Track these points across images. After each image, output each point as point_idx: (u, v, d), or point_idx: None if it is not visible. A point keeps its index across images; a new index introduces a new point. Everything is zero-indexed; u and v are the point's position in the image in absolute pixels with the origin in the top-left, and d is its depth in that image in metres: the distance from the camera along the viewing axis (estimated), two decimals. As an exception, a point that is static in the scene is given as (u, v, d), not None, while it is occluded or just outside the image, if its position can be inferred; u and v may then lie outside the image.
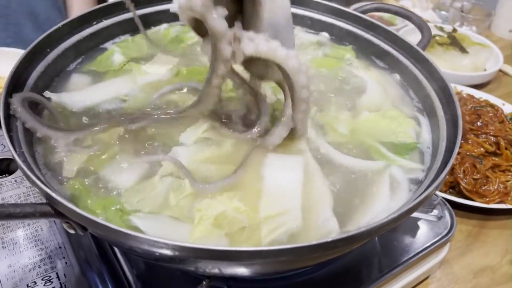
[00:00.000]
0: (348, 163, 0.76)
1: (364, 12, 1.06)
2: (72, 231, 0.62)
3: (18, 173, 0.89)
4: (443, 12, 1.98)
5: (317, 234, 0.64)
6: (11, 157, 0.92)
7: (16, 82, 0.76)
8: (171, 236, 0.59)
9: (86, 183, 0.66)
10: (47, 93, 0.82)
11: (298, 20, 1.10)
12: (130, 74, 0.92)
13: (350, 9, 1.07)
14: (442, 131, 0.78)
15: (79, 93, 0.86)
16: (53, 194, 0.56)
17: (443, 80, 0.82)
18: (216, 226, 0.60)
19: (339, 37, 1.07)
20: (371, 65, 1.00)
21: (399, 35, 0.97)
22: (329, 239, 0.53)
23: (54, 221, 0.80)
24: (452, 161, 0.63)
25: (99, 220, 0.54)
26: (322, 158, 0.76)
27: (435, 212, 0.93)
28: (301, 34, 1.08)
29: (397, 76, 0.97)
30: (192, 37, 1.06)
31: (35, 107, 0.77)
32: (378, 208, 0.70)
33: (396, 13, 1.06)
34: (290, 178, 0.69)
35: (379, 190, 0.73)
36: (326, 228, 0.65)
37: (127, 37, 1.03)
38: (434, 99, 0.86)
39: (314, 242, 0.53)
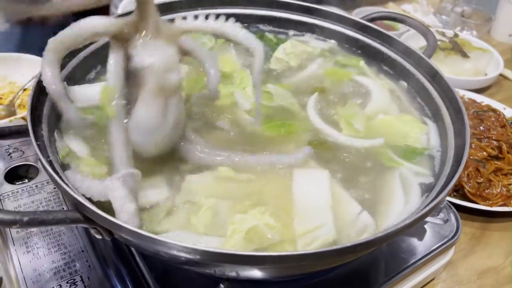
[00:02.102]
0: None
1: (371, 20, 1.09)
2: (99, 236, 0.65)
3: (38, 179, 0.91)
4: (443, 17, 2.01)
5: (352, 231, 0.68)
6: (30, 163, 0.95)
7: (40, 91, 0.78)
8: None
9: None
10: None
11: (306, 28, 1.13)
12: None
13: (357, 18, 1.10)
14: (450, 139, 0.81)
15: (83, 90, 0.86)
16: (83, 201, 0.59)
17: (450, 90, 0.85)
18: (248, 240, 0.63)
19: (347, 45, 1.10)
20: (379, 72, 1.04)
21: (405, 44, 1.00)
22: (349, 244, 0.56)
23: (76, 226, 0.83)
24: (460, 170, 0.66)
25: (129, 226, 0.56)
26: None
27: (441, 215, 0.96)
28: (314, 42, 1.11)
29: (404, 84, 1.00)
30: (205, 43, 1.09)
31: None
32: (396, 210, 0.73)
33: (402, 21, 1.09)
34: (319, 193, 0.72)
35: (394, 191, 0.77)
36: (359, 224, 0.69)
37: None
38: (441, 106, 0.89)
39: (335, 247, 0.56)
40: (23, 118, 1.20)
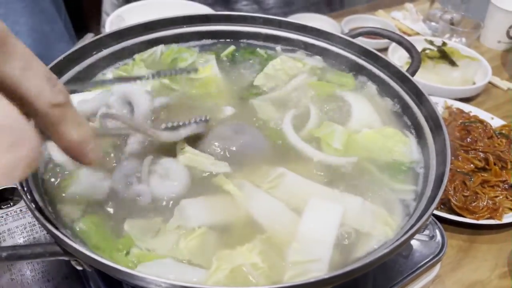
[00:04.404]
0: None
1: (355, 36, 1.09)
2: (80, 268, 0.65)
3: (23, 203, 0.91)
4: (433, 24, 2.02)
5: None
6: (15, 186, 0.95)
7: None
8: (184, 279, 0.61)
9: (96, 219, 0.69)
10: None
11: (293, 44, 1.13)
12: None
13: (343, 33, 1.10)
14: (432, 159, 0.82)
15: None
16: (63, 237, 0.59)
17: (433, 111, 0.85)
18: (231, 279, 0.62)
19: (332, 61, 1.10)
20: (363, 89, 1.04)
21: (389, 61, 1.00)
22: (327, 276, 0.57)
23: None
24: (439, 196, 0.66)
25: (108, 262, 0.57)
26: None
27: (427, 232, 0.96)
28: (306, 59, 1.11)
29: (389, 100, 1.00)
30: (186, 58, 1.10)
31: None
32: (378, 232, 0.74)
33: (387, 37, 1.09)
34: (327, 228, 0.71)
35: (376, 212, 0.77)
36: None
37: (128, 61, 1.06)
38: (423, 125, 0.89)
39: (312, 280, 0.56)
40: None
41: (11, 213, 0.89)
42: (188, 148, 0.79)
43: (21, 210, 0.89)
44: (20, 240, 0.84)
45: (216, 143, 0.81)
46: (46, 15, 1.91)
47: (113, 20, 1.53)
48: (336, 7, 2.24)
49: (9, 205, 0.92)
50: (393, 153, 0.88)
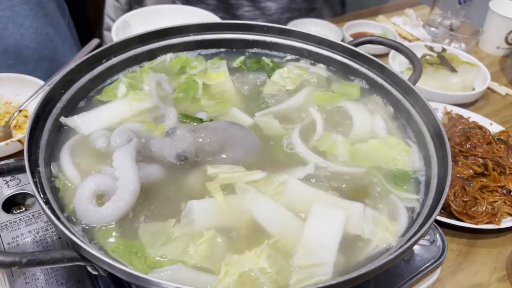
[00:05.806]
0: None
1: (357, 45, 1.12)
2: (95, 273, 0.67)
3: (35, 208, 0.93)
4: (433, 29, 2.05)
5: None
6: (26, 191, 0.97)
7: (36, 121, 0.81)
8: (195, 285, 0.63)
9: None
10: (62, 119, 0.90)
11: (297, 52, 1.15)
12: (129, 101, 0.99)
13: (344, 43, 1.12)
14: (433, 167, 0.84)
15: (87, 117, 0.93)
16: (80, 243, 0.61)
17: (434, 120, 0.88)
18: (239, 284, 0.65)
19: (336, 70, 1.12)
20: (367, 98, 1.06)
21: (392, 70, 1.03)
22: (334, 281, 0.60)
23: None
24: (441, 204, 0.69)
25: (124, 267, 0.59)
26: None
27: (428, 236, 0.99)
28: (311, 68, 1.13)
29: (391, 109, 1.03)
30: (195, 66, 1.12)
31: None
32: (378, 238, 0.76)
33: (389, 46, 1.12)
34: (330, 232, 0.74)
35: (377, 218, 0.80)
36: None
37: (136, 68, 1.09)
38: (425, 134, 0.92)
39: (320, 285, 0.59)
40: (19, 140, 1.22)
41: (23, 218, 0.91)
42: (215, 169, 0.82)
43: (33, 215, 0.91)
44: (33, 245, 0.86)
45: (233, 154, 0.86)
46: (50, 19, 1.93)
47: (119, 25, 1.55)
48: (338, 13, 2.27)
49: (21, 210, 0.94)
50: (397, 162, 0.91)
